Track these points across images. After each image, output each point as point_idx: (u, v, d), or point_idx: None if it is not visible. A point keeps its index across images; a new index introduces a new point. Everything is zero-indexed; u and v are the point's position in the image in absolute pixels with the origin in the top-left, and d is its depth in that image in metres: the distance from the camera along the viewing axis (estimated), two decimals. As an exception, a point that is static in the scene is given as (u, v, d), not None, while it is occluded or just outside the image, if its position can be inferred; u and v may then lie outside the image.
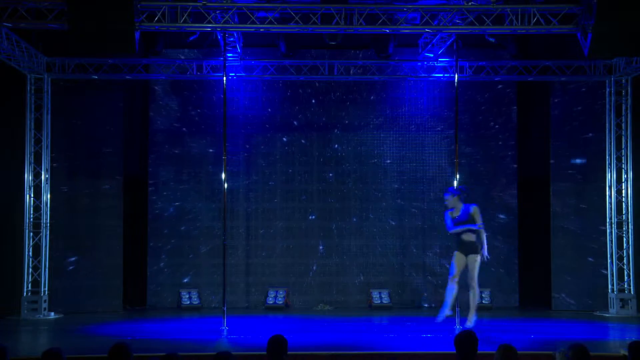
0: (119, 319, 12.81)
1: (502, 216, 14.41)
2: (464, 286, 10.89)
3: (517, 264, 14.41)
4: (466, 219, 10.69)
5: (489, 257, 10.86)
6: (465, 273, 10.77)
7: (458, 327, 11.11)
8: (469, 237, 10.70)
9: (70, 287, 13.37)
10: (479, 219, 10.70)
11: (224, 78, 11.81)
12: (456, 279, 10.76)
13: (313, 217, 14.42)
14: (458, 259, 10.76)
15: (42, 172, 13.14)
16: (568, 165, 13.84)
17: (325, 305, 14.16)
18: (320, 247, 14.40)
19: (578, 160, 13.76)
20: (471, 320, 10.73)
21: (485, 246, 10.74)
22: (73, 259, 13.50)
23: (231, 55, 12.89)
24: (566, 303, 13.63)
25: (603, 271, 13.43)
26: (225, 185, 11.99)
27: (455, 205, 10.80)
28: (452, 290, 10.77)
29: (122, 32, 10.21)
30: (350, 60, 13.88)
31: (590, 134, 13.76)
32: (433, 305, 14.11)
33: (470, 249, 10.70)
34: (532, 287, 14.32)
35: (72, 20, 10.08)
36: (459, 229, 10.73)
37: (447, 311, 10.80)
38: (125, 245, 13.80)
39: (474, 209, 10.72)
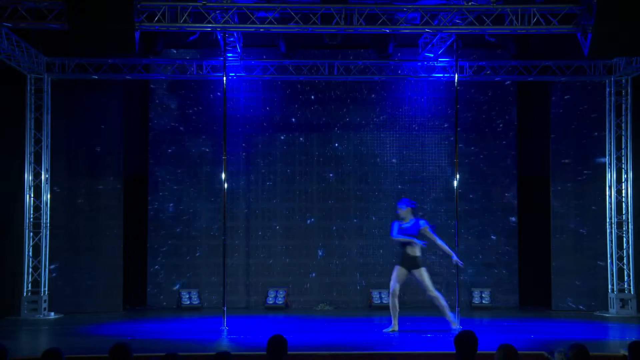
0: (119, 319, 12.81)
1: (502, 216, 14.39)
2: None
3: (517, 264, 14.40)
4: (414, 233, 10.74)
5: (462, 263, 10.94)
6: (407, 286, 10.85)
7: (458, 327, 11.12)
8: (413, 252, 10.72)
9: (70, 287, 13.37)
10: (430, 236, 10.78)
11: (224, 78, 11.81)
12: (397, 294, 10.79)
13: (313, 217, 14.41)
14: (399, 273, 10.79)
15: (42, 172, 13.14)
16: (568, 165, 13.84)
17: (325, 305, 14.15)
18: (321, 248, 14.39)
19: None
20: (455, 323, 10.77)
21: (453, 253, 10.92)
22: (73, 259, 13.48)
23: (231, 55, 12.89)
24: (566, 303, 13.62)
25: (603, 271, 13.42)
26: (225, 185, 11.99)
27: (406, 217, 10.89)
28: (392, 304, 10.82)
29: (122, 32, 10.20)
30: (350, 60, 13.87)
31: (591, 134, 13.77)
32: (432, 305, 14.11)
33: (413, 263, 10.74)
34: (532, 287, 14.32)
35: (72, 20, 10.08)
36: (403, 238, 10.76)
37: (394, 325, 10.81)
38: (125, 245, 13.79)
39: (424, 227, 10.79)
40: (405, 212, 10.90)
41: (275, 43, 13.50)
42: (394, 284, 10.81)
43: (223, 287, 11.70)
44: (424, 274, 10.77)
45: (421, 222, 10.89)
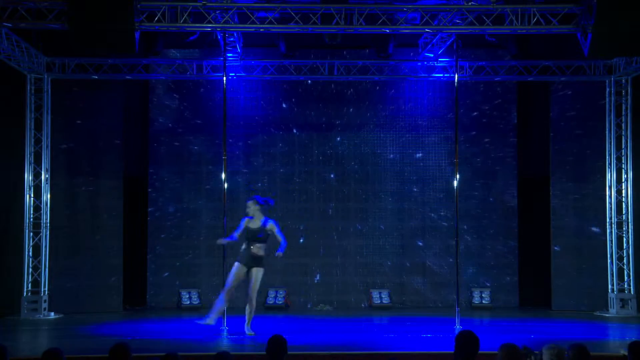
0: (119, 319, 12.80)
1: (502, 216, 14.39)
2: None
3: (517, 264, 14.40)
4: (262, 235, 10.57)
5: (280, 253, 10.64)
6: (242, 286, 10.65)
7: (458, 327, 11.11)
8: (258, 252, 10.58)
9: (70, 287, 13.36)
10: (277, 236, 10.55)
11: (224, 78, 11.79)
12: (232, 291, 10.68)
13: (313, 217, 14.40)
14: (238, 271, 10.61)
15: (42, 172, 13.14)
16: (568, 165, 13.83)
17: (325, 306, 14.15)
18: (321, 247, 14.38)
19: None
20: (247, 329, 10.58)
21: (281, 248, 10.59)
22: (73, 259, 13.48)
23: (231, 55, 12.89)
24: (566, 303, 13.61)
25: (603, 271, 13.41)
26: (225, 185, 11.99)
27: (254, 214, 10.66)
28: (222, 301, 10.67)
29: (122, 32, 10.20)
30: (350, 60, 13.86)
31: (590, 134, 13.76)
32: (432, 305, 14.13)
33: (256, 262, 10.58)
34: (532, 287, 14.32)
35: (72, 20, 10.08)
36: (225, 241, 10.72)
37: (211, 318, 10.64)
38: (125, 245, 13.78)
39: (270, 225, 10.58)
40: (253, 210, 10.66)
41: (275, 43, 13.49)
42: (230, 283, 10.63)
43: (223, 287, 11.66)
44: (259, 275, 10.57)
45: (269, 222, 10.63)
